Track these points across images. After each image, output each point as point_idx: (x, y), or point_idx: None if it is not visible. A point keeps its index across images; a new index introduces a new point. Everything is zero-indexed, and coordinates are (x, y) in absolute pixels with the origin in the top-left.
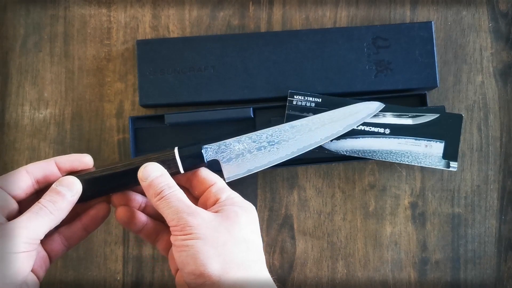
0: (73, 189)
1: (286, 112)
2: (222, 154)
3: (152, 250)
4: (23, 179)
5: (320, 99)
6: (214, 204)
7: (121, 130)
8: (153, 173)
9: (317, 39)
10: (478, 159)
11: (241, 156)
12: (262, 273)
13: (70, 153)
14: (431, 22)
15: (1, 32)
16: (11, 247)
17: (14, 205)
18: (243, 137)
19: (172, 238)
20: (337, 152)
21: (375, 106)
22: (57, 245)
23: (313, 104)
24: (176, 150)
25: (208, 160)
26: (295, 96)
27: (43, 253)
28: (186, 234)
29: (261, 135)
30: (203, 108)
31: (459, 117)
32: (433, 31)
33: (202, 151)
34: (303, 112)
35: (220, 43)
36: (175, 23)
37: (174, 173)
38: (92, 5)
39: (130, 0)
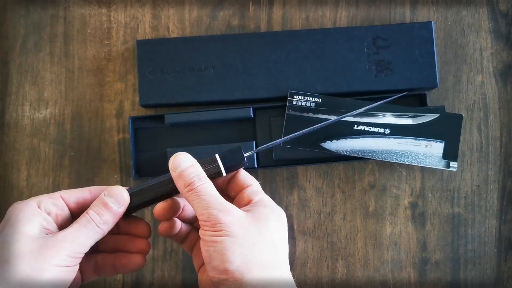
0: (120, 201)
1: (286, 112)
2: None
3: (152, 251)
4: (84, 194)
5: (320, 99)
6: (246, 205)
7: (121, 130)
8: (183, 163)
9: (317, 39)
10: (478, 159)
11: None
12: (286, 275)
13: (70, 153)
14: (431, 22)
15: (1, 32)
16: (56, 260)
17: (68, 214)
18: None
19: (201, 233)
20: (337, 152)
21: None
22: (89, 269)
23: (313, 104)
24: (217, 155)
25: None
26: (295, 96)
27: (78, 274)
28: (216, 231)
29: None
30: (203, 108)
31: (459, 117)
32: (433, 31)
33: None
34: (303, 112)
35: (220, 43)
36: (175, 23)
37: (215, 175)
38: (92, 5)
39: (130, 0)
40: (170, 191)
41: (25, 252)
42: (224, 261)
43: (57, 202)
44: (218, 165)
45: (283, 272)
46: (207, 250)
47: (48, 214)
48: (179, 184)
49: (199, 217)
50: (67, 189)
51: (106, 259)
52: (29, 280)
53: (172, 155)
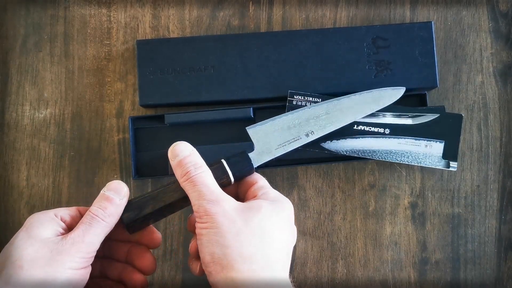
0: (121, 192)
1: (286, 112)
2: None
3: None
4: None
5: (320, 99)
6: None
7: (121, 130)
8: (181, 152)
9: (317, 39)
10: (478, 159)
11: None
12: (273, 270)
13: (70, 153)
14: (431, 22)
15: (1, 32)
16: (68, 263)
17: (77, 216)
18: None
19: (195, 225)
20: (337, 152)
21: (401, 92)
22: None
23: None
24: (224, 162)
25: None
26: (295, 96)
27: None
28: (203, 223)
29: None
30: (203, 108)
31: (459, 117)
32: (433, 31)
33: (251, 160)
34: None
35: (220, 43)
36: (175, 23)
37: (225, 184)
38: (92, 5)
39: (130, 0)
40: (174, 188)
41: (38, 257)
42: (206, 254)
43: (73, 214)
44: (229, 176)
45: (270, 266)
46: (198, 244)
47: (64, 222)
48: (177, 174)
49: (193, 208)
50: (67, 189)
51: (109, 286)
52: (44, 285)
53: None
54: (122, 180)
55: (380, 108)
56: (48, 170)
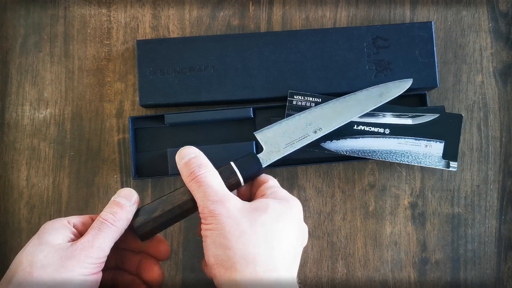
0: (131, 199)
1: (286, 112)
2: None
3: None
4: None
5: (320, 99)
6: None
7: (121, 130)
8: (188, 155)
9: (317, 39)
10: (478, 159)
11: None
12: (279, 273)
13: (70, 153)
14: (431, 22)
15: (1, 32)
16: (78, 269)
17: (89, 222)
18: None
19: (201, 227)
20: (337, 152)
21: (408, 83)
22: None
23: (313, 104)
24: (233, 163)
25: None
26: (295, 96)
27: None
28: (207, 224)
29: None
30: (203, 108)
31: (459, 117)
32: (433, 31)
33: (260, 160)
34: None
35: (220, 43)
36: (175, 23)
37: (235, 185)
38: (92, 5)
39: (130, 0)
40: (182, 192)
41: (48, 263)
42: (210, 256)
43: (85, 221)
44: (238, 177)
45: (275, 268)
46: (203, 247)
47: (76, 229)
48: (183, 175)
49: (199, 210)
50: (67, 189)
51: None
52: None
53: (172, 155)
54: (122, 180)
55: (387, 101)
56: (48, 170)
